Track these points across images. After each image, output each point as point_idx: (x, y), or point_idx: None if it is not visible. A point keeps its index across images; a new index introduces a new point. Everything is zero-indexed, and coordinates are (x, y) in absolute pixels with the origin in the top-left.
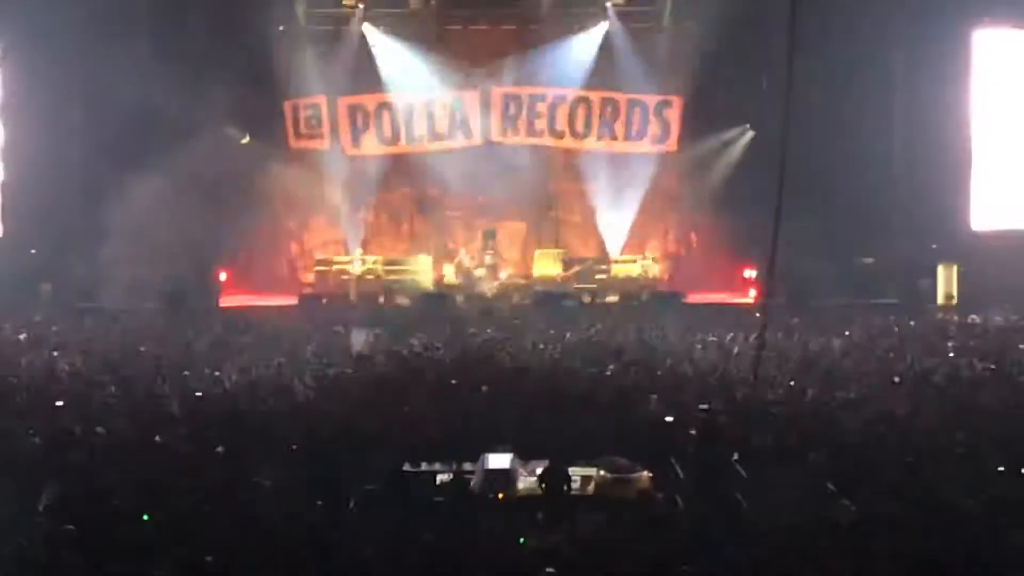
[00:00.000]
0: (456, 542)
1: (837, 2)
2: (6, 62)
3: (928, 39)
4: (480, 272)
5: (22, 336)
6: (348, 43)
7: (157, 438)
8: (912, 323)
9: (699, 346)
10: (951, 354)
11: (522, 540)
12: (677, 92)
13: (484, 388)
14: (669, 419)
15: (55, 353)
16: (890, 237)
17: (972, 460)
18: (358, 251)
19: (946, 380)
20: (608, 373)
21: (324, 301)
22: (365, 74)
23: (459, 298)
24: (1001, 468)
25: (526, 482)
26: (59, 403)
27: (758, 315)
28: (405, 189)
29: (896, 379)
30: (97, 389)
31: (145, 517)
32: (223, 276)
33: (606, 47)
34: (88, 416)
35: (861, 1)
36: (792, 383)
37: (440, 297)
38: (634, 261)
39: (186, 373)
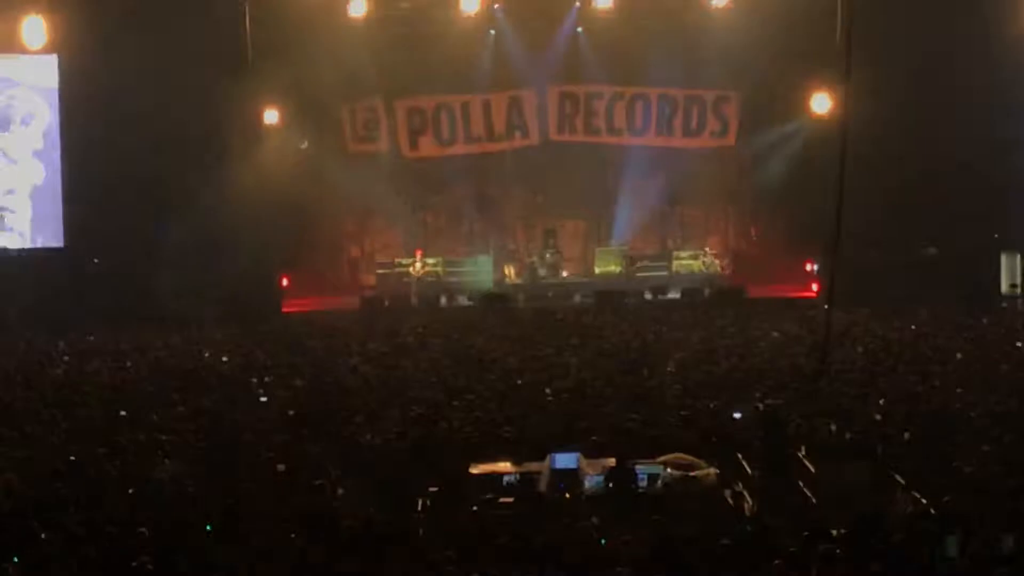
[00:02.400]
0: (527, 543)
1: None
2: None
3: (991, 34)
4: (542, 271)
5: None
6: (404, 46)
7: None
8: (980, 316)
9: (762, 342)
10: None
11: (603, 540)
12: (735, 87)
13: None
14: (736, 415)
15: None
16: (952, 226)
17: None
18: (419, 253)
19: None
20: (671, 370)
21: (386, 303)
22: (422, 75)
23: (520, 297)
24: None
25: (592, 481)
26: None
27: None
28: (464, 190)
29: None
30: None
31: (208, 528)
32: (285, 282)
33: (662, 44)
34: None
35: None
36: (858, 377)
37: (501, 298)
38: (695, 257)
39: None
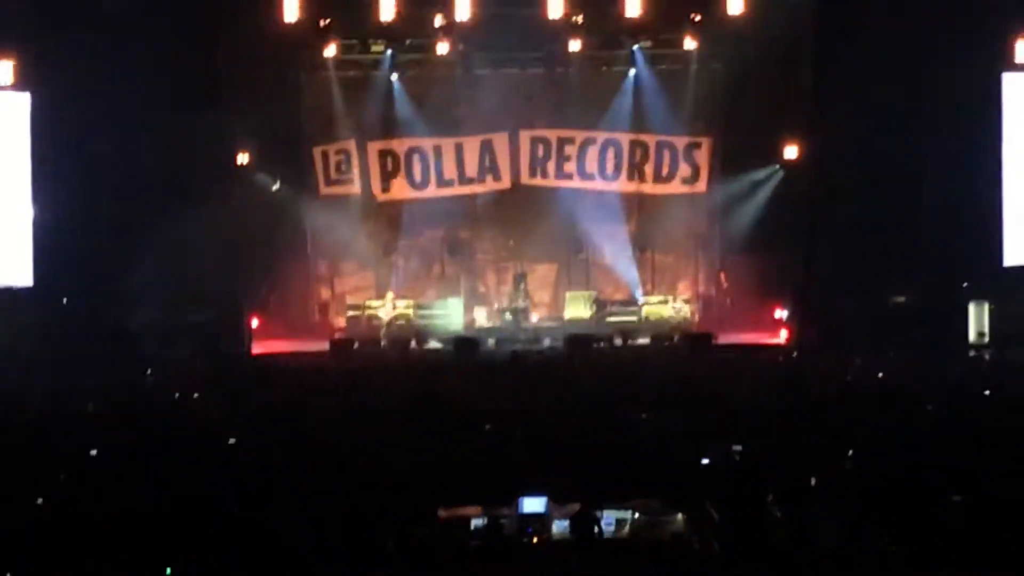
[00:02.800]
0: None
1: (866, 43)
2: (40, 114)
3: (959, 80)
4: (512, 315)
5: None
6: (377, 88)
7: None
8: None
9: (731, 388)
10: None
11: None
12: (706, 133)
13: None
14: (704, 461)
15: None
16: (921, 275)
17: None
18: (389, 295)
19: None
20: (644, 417)
21: (356, 346)
22: (395, 119)
23: (490, 341)
24: None
25: (560, 525)
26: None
27: (792, 355)
28: (435, 233)
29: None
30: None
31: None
32: (254, 322)
33: (634, 89)
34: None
35: (891, 42)
36: (828, 422)
37: (472, 341)
38: (665, 302)
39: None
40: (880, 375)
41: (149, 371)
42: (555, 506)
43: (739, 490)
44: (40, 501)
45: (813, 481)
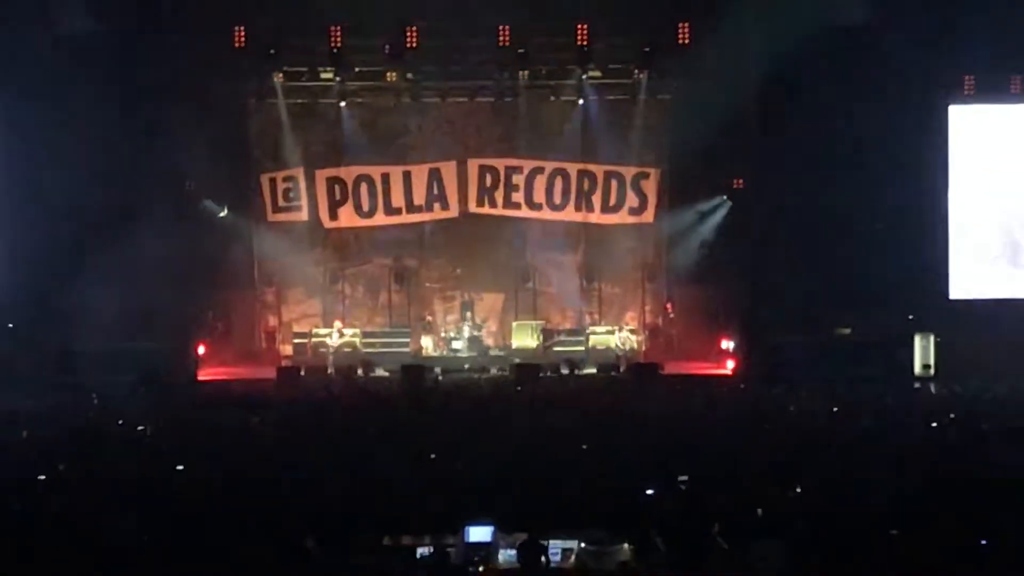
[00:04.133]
0: None
1: (814, 75)
2: None
3: (905, 113)
4: (458, 344)
5: None
6: (325, 115)
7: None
8: (890, 394)
9: (676, 418)
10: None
11: None
12: (654, 164)
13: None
14: (650, 491)
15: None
16: (867, 308)
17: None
18: (337, 323)
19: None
20: (584, 447)
21: (302, 373)
22: (342, 146)
23: (437, 370)
24: None
25: (507, 554)
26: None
27: (738, 386)
28: (382, 261)
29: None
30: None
31: None
32: (201, 349)
33: (582, 119)
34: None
35: (838, 75)
36: (774, 453)
37: (418, 369)
38: (612, 332)
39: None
40: (826, 407)
41: (95, 397)
42: (502, 535)
43: (684, 520)
44: None
45: (758, 512)
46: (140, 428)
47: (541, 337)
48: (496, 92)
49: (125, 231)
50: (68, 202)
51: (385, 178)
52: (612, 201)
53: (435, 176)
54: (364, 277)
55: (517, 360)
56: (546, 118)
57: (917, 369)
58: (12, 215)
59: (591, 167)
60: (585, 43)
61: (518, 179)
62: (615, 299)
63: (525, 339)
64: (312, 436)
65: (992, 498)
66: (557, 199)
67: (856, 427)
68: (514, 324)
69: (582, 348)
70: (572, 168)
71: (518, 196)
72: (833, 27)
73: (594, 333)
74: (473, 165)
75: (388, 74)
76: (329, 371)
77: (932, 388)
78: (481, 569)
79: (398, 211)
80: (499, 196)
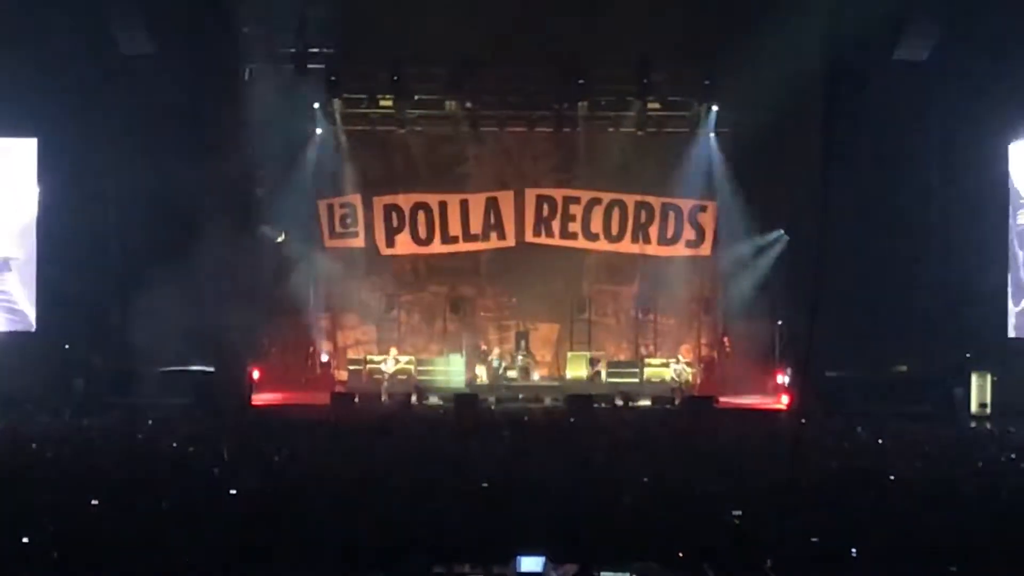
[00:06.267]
0: None
1: (874, 112)
2: (46, 160)
3: (966, 149)
4: (512, 374)
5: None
6: (384, 142)
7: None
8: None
9: (732, 453)
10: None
11: None
12: (712, 197)
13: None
14: (704, 523)
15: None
16: (924, 345)
17: None
18: (392, 350)
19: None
20: (645, 480)
21: (356, 400)
22: (400, 174)
23: (490, 399)
24: None
25: None
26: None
27: (794, 420)
28: (438, 289)
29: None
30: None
31: None
32: (256, 374)
33: (641, 151)
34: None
35: (898, 110)
36: (828, 489)
37: (472, 398)
38: (667, 365)
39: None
40: (880, 443)
41: (150, 421)
42: (553, 566)
43: (737, 554)
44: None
45: (812, 545)
46: (191, 450)
47: (595, 368)
48: (555, 122)
49: (183, 254)
50: (125, 224)
51: (442, 206)
52: (669, 233)
53: (492, 205)
54: (420, 305)
55: (571, 391)
56: (604, 149)
57: (974, 408)
58: (69, 235)
59: (649, 199)
60: (645, 75)
61: (575, 209)
62: (670, 331)
63: (579, 370)
64: (365, 463)
65: None
66: (614, 230)
67: (910, 464)
68: (568, 354)
69: (637, 380)
70: (630, 200)
71: (575, 226)
72: (894, 62)
73: (649, 365)
74: (531, 195)
75: (447, 102)
76: (383, 398)
77: (988, 427)
78: None
79: (455, 240)
80: (556, 226)
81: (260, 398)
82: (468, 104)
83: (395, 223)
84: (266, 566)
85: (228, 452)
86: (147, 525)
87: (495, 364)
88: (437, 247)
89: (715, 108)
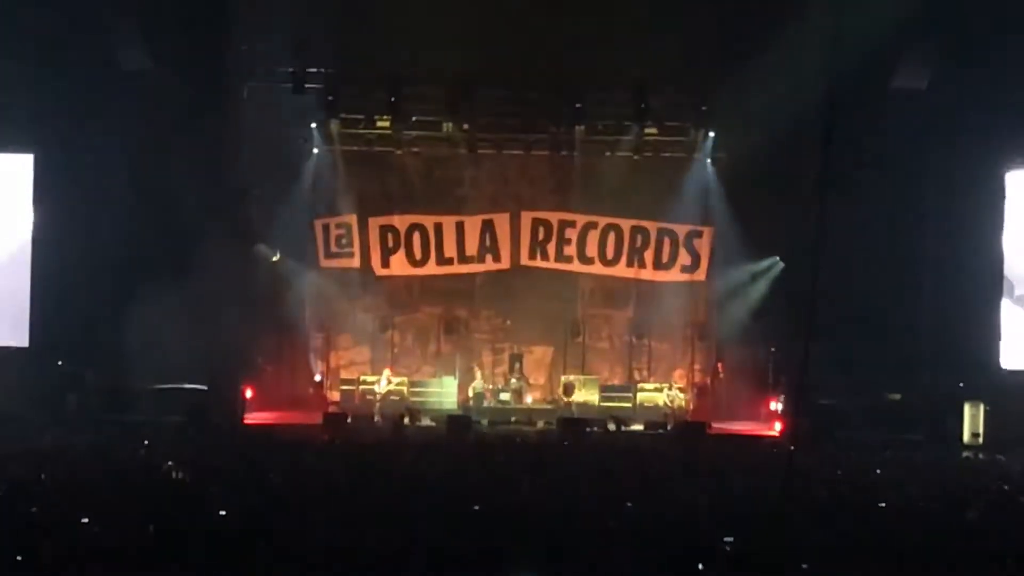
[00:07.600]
0: None
1: (870, 139)
2: (42, 176)
3: (961, 178)
4: (505, 396)
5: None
6: (380, 163)
7: None
8: (937, 461)
9: (724, 479)
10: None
11: None
12: (708, 222)
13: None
14: (694, 550)
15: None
16: (917, 374)
17: None
18: (386, 371)
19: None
20: (631, 504)
21: (349, 420)
22: (396, 195)
23: (483, 421)
24: None
25: None
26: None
27: (787, 447)
28: (432, 310)
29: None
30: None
31: None
32: (249, 393)
33: (637, 175)
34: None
35: (894, 139)
36: (819, 515)
37: (464, 420)
38: (660, 389)
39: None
40: (872, 471)
41: (146, 441)
42: None
43: None
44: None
45: (803, 574)
46: (177, 471)
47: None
48: (552, 146)
49: (177, 272)
50: (119, 241)
51: (438, 228)
52: (665, 258)
53: (488, 228)
54: (414, 326)
55: (563, 415)
56: (601, 173)
57: (966, 437)
58: (63, 252)
59: (644, 224)
60: (643, 100)
61: (571, 233)
62: (664, 356)
63: (590, 395)
64: (356, 483)
65: None
66: (610, 254)
67: (902, 492)
68: (562, 378)
69: (630, 404)
70: (625, 224)
71: (570, 250)
72: (890, 90)
73: (642, 390)
74: (526, 218)
75: (445, 124)
76: (376, 419)
77: (980, 457)
78: None
79: (450, 261)
80: (551, 249)
81: (252, 417)
82: (465, 126)
83: (390, 244)
84: None
85: (219, 471)
86: (137, 543)
87: (478, 388)
88: (432, 268)
89: (712, 134)
